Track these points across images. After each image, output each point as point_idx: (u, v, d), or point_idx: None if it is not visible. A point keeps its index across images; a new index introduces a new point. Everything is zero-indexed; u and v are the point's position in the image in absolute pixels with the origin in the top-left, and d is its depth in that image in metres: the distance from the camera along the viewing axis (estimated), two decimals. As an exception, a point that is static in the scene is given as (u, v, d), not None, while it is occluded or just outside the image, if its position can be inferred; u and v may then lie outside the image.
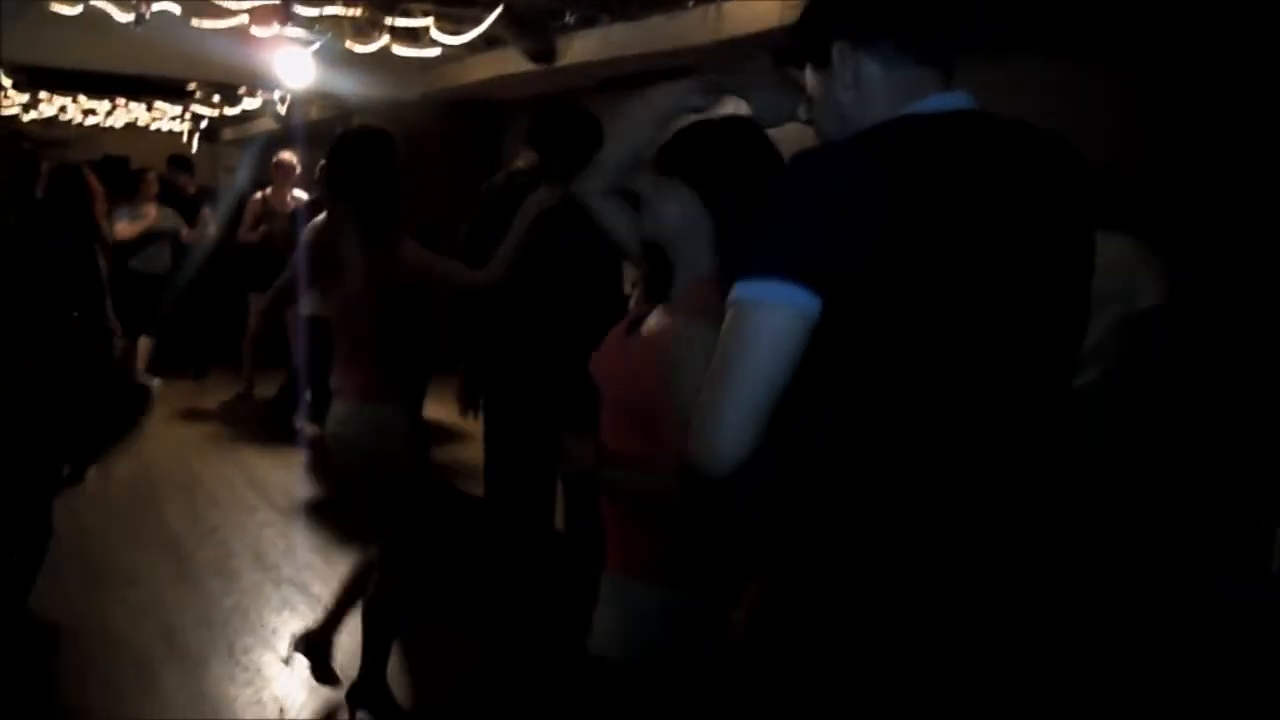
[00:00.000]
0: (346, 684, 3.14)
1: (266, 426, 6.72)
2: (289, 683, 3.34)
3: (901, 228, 1.18)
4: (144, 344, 7.56)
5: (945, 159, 1.25)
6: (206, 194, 8.76)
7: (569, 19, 6.65)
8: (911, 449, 1.22)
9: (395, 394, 2.99)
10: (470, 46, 7.02)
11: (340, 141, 3.02)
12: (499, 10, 6.18)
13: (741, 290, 1.22)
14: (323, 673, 3.24)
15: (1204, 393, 3.90)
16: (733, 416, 1.20)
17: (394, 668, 3.20)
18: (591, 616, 1.77)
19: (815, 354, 1.20)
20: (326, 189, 3.20)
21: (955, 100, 1.33)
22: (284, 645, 3.58)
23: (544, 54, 6.94)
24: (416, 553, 3.08)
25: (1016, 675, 1.30)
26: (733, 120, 1.71)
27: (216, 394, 7.74)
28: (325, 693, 3.27)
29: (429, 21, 6.56)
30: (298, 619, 3.80)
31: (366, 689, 3.07)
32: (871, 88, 1.34)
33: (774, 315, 1.19)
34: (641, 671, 1.68)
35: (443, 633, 3.79)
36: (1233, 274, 4.02)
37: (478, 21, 6.38)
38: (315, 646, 3.24)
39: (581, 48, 6.87)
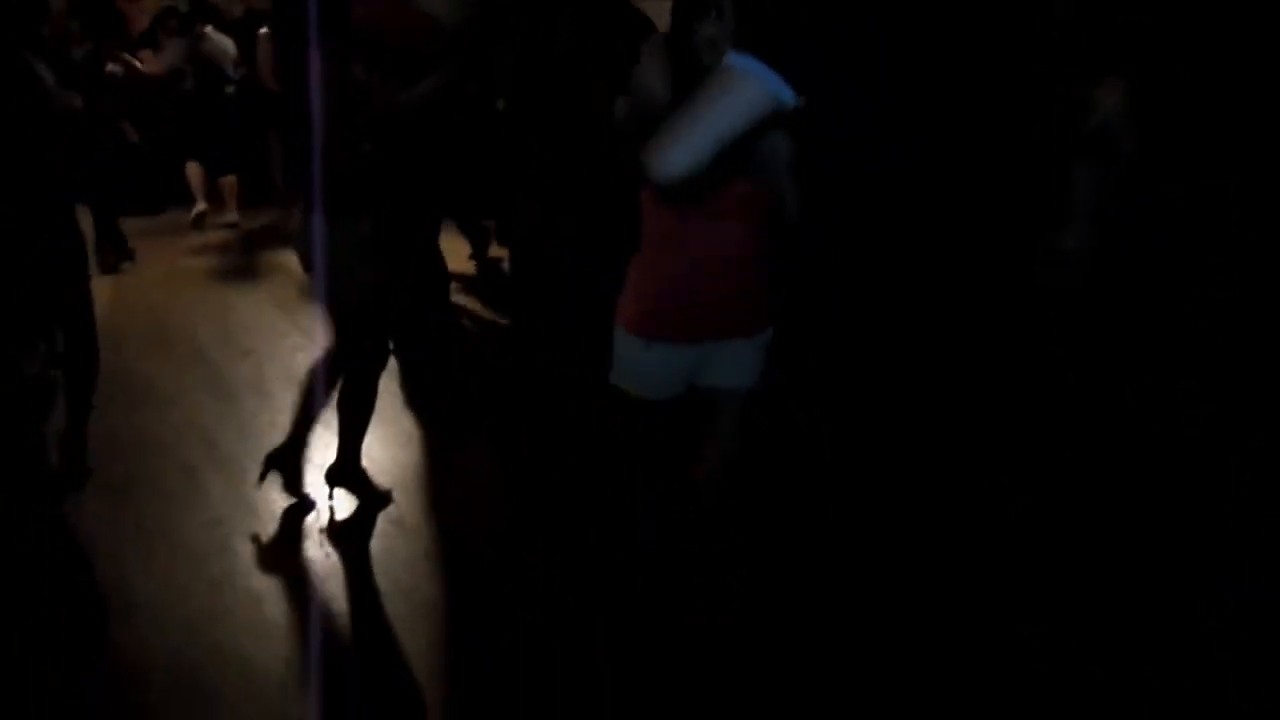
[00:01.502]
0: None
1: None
2: (322, 487, 3.57)
3: None
4: (193, 169, 7.67)
5: None
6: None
7: None
8: None
9: (351, 211, 3.10)
10: None
11: None
12: None
13: (739, 60, 1.63)
14: (293, 486, 3.47)
15: (1204, 393, 3.85)
16: (699, 142, 1.62)
17: (403, 479, 3.41)
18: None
19: None
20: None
21: None
22: (320, 456, 3.82)
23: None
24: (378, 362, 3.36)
25: None
26: None
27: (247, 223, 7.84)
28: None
29: None
30: (331, 433, 4.02)
31: (342, 470, 3.38)
32: None
33: (757, 85, 1.60)
34: None
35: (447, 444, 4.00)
36: (1233, 273, 3.95)
37: None
38: (281, 463, 3.46)
39: None
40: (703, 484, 2.62)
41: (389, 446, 3.93)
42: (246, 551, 3.16)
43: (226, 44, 7.72)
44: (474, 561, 3.18)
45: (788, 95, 1.59)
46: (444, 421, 4.17)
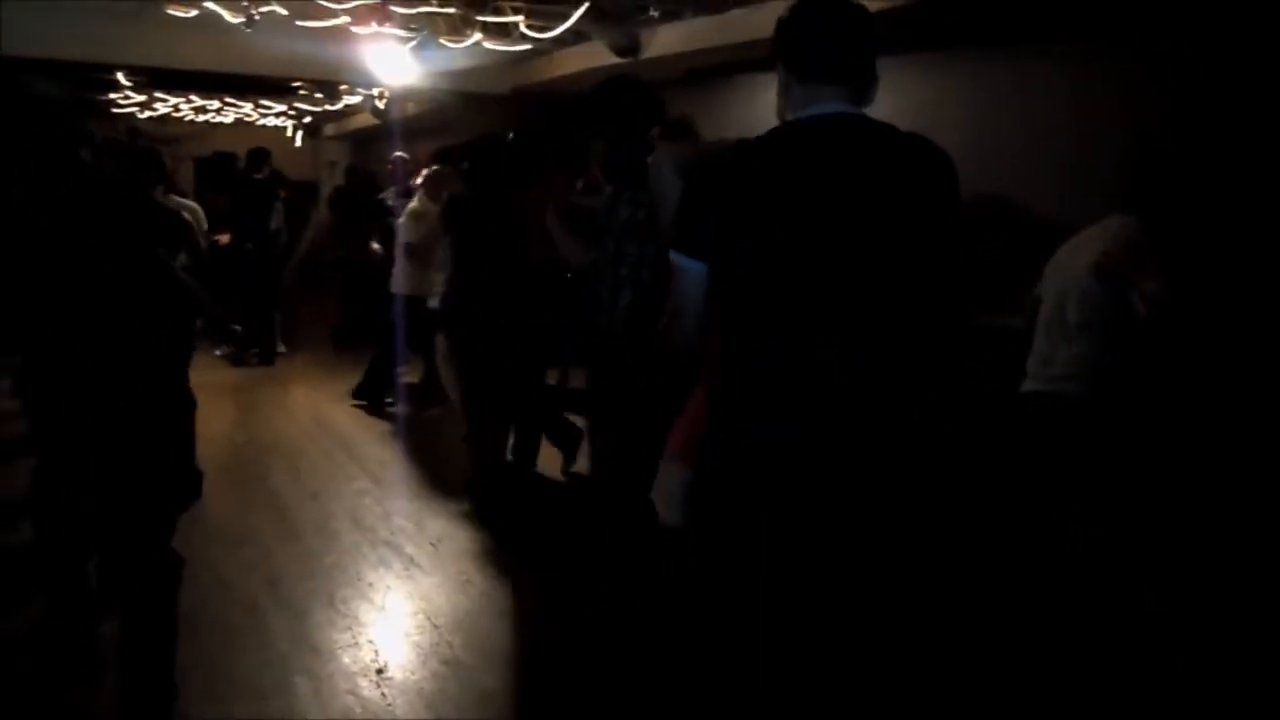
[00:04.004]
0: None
1: (362, 404, 7.09)
2: (384, 631, 3.62)
3: (734, 208, 1.83)
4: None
5: (772, 155, 1.85)
6: (280, 182, 9.18)
7: (652, 13, 6.84)
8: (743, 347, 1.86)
9: None
10: (557, 41, 7.28)
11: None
12: (585, 6, 6.41)
13: (673, 256, 1.93)
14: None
15: (1206, 393, 3.82)
16: (683, 323, 1.92)
17: (458, 620, 3.44)
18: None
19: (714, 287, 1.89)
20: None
21: (829, 108, 1.85)
22: (380, 597, 3.89)
23: (628, 48, 7.15)
24: None
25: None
26: None
27: (313, 370, 8.15)
28: (417, 639, 3.55)
29: (518, 19, 6.83)
30: (392, 575, 4.10)
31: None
32: (789, 95, 1.93)
33: (685, 275, 1.91)
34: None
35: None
36: (1240, 269, 3.97)
37: (565, 17, 6.62)
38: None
39: (664, 41, 7.07)
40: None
41: (445, 589, 3.98)
42: (305, 689, 3.19)
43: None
44: (525, 706, 3.17)
45: None
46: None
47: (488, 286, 4.64)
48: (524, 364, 4.80)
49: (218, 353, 8.59)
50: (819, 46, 1.87)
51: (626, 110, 3.33)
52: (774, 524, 1.74)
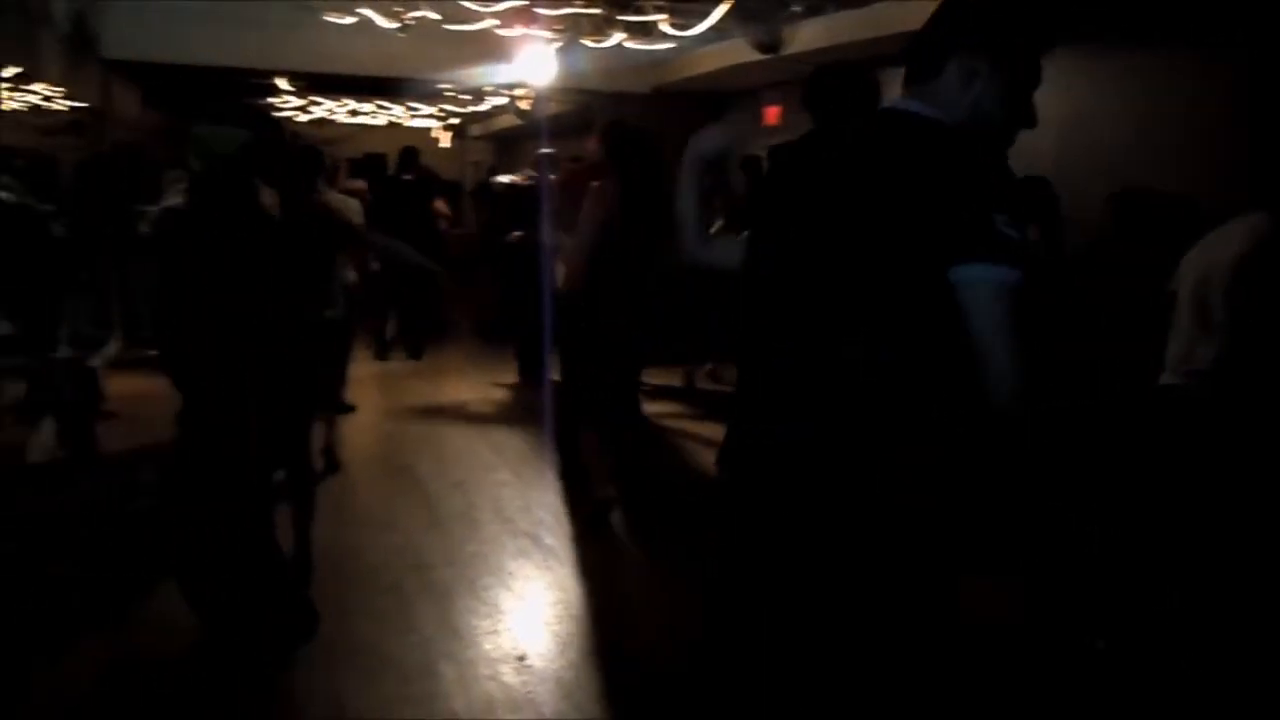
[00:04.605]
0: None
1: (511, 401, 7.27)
2: (524, 619, 3.70)
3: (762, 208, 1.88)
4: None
5: (801, 156, 1.88)
6: (430, 183, 9.40)
7: (795, 8, 6.80)
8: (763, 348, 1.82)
9: None
10: (698, 39, 7.30)
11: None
12: (728, 3, 6.41)
13: None
14: None
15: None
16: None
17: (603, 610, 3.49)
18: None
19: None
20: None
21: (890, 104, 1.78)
22: (520, 586, 3.98)
23: (770, 44, 7.11)
24: None
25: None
26: None
27: (459, 363, 8.38)
28: (556, 628, 3.62)
29: (661, 17, 6.88)
30: (531, 565, 4.19)
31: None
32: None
33: None
34: None
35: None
36: None
37: (706, 15, 6.64)
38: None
39: (807, 36, 7.00)
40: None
41: (583, 581, 4.05)
42: (450, 673, 3.29)
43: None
44: (662, 701, 3.20)
45: None
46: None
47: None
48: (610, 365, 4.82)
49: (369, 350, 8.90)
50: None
51: (838, 93, 3.29)
52: (792, 525, 1.73)
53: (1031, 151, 2.09)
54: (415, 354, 8.88)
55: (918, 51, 1.76)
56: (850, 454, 1.64)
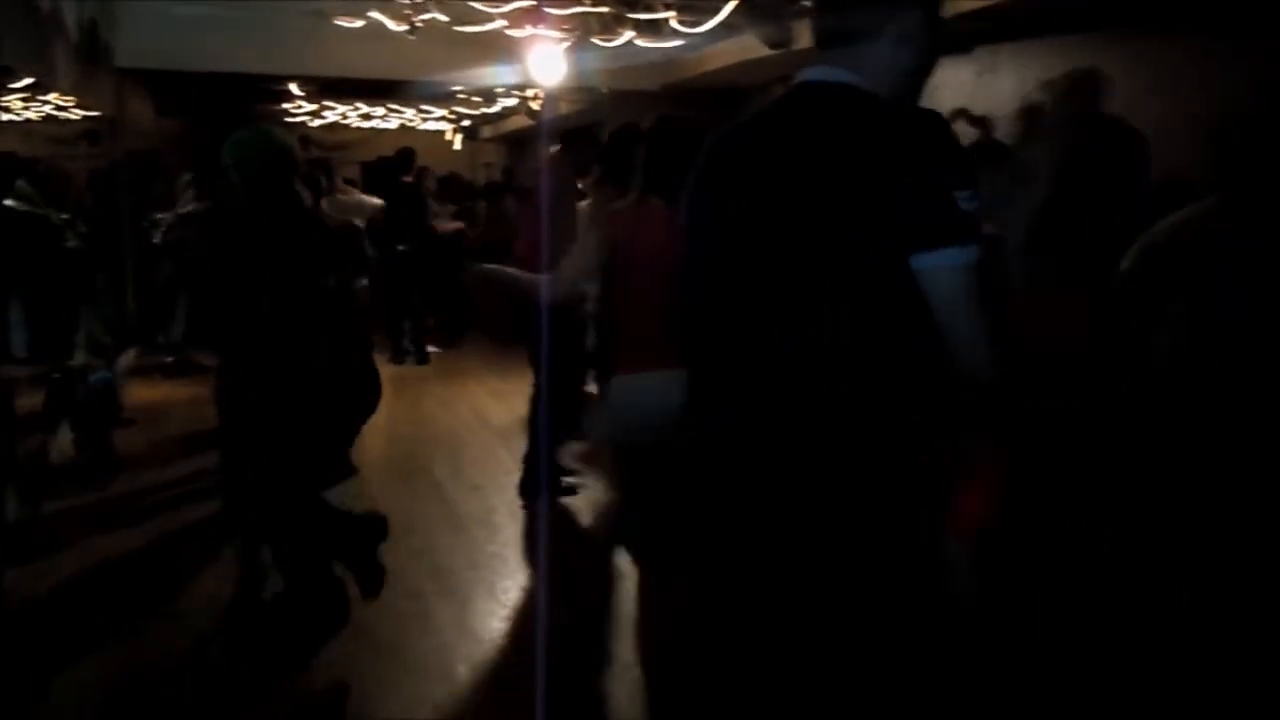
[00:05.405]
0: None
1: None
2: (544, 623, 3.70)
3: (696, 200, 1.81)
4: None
5: (730, 142, 1.77)
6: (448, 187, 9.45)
7: (804, 3, 6.76)
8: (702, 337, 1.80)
9: None
10: (708, 36, 7.27)
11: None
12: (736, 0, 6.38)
13: None
14: None
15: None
16: None
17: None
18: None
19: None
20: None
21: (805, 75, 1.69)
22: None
23: (781, 40, 7.09)
24: None
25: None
26: None
27: (473, 366, 8.38)
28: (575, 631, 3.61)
29: (670, 15, 6.86)
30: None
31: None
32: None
33: None
34: None
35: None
36: None
37: (715, 12, 6.61)
38: None
39: (818, 31, 6.96)
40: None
41: (602, 585, 4.04)
42: (471, 677, 3.29)
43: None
44: (684, 704, 3.18)
45: None
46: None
47: None
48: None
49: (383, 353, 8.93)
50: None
51: None
52: (729, 509, 1.73)
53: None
54: (421, 359, 8.88)
55: (844, 11, 1.66)
56: (775, 439, 1.61)
